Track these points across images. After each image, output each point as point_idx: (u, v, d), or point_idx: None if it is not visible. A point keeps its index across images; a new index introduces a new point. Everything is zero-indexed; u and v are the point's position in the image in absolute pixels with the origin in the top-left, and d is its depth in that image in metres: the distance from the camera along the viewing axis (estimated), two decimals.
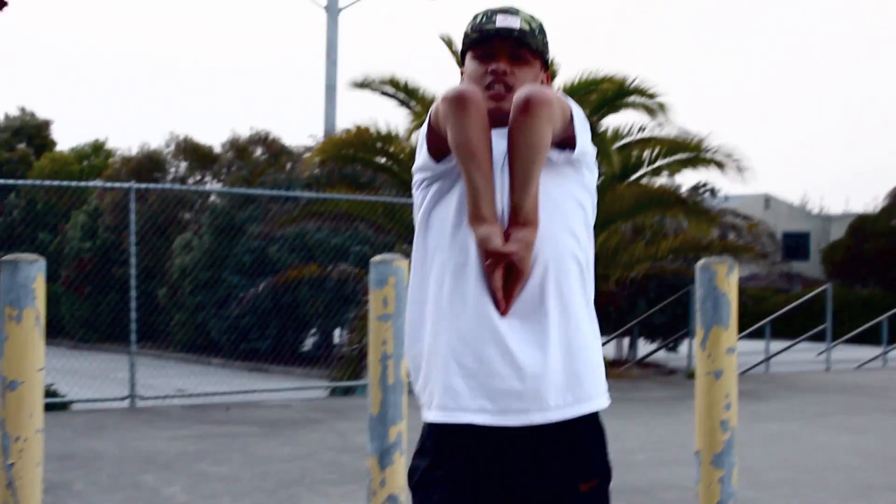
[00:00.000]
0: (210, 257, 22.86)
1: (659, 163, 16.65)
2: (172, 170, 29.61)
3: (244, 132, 28.98)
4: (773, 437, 10.01)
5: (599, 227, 14.17)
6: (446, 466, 2.80)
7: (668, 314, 20.67)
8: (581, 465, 2.82)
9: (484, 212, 2.70)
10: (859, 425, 10.97)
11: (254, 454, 8.74)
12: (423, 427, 2.87)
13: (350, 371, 14.32)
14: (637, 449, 9.12)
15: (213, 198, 25.02)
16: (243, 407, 12.01)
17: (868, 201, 62.56)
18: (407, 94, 15.96)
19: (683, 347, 21.51)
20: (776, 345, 19.67)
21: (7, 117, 36.63)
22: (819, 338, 19.68)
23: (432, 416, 2.79)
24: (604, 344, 17.70)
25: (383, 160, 15.78)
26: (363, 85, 15.99)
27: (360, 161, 15.61)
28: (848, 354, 21.32)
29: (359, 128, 14.99)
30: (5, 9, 10.84)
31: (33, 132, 36.28)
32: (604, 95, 15.82)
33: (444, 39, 15.90)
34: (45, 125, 37.08)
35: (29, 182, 25.30)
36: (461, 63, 2.96)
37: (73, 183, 14.23)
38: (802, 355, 20.54)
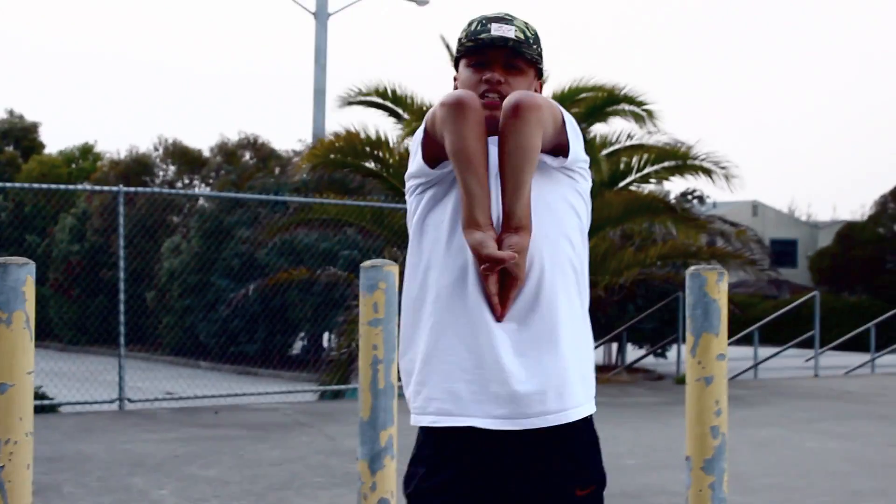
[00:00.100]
0: (198, 261, 22.85)
1: (647, 170, 16.68)
2: (161, 173, 29.60)
3: (233, 136, 29.06)
4: (762, 442, 10.03)
5: (588, 234, 14.16)
6: (443, 473, 2.79)
7: (657, 320, 20.73)
8: (578, 471, 2.82)
9: (479, 218, 2.70)
10: (848, 431, 10.99)
11: (243, 457, 8.74)
12: (418, 434, 2.86)
13: (339, 375, 14.32)
14: (626, 454, 9.14)
15: (201, 202, 25.02)
16: (232, 410, 12.00)
17: (855, 209, 62.98)
18: (395, 103, 15.96)
19: (671, 353, 21.55)
20: (764, 351, 19.71)
21: None
22: (807, 344, 19.73)
23: (428, 420, 2.78)
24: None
25: (372, 165, 15.78)
26: (350, 102, 16.01)
27: (350, 166, 15.60)
28: (836, 361, 21.37)
29: (348, 131, 14.99)
30: None
31: (21, 135, 36.23)
32: (593, 103, 15.85)
33: (443, 41, 15.95)
34: (34, 128, 37.03)
35: (17, 185, 25.22)
36: (455, 68, 2.96)
37: (62, 186, 14.16)
38: (790, 361, 20.59)
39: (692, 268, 3.27)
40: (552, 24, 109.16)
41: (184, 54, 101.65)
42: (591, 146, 15.06)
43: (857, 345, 22.62)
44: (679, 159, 16.48)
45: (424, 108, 15.20)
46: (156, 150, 29.68)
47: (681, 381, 15.85)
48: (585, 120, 15.75)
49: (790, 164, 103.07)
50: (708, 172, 16.51)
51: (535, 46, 2.88)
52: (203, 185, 28.31)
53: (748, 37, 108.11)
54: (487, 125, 2.75)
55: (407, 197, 2.94)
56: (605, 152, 16.18)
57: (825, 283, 35.56)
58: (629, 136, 16.64)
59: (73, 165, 33.99)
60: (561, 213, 2.82)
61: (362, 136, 15.11)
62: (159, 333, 24.45)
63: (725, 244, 17.61)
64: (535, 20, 2.98)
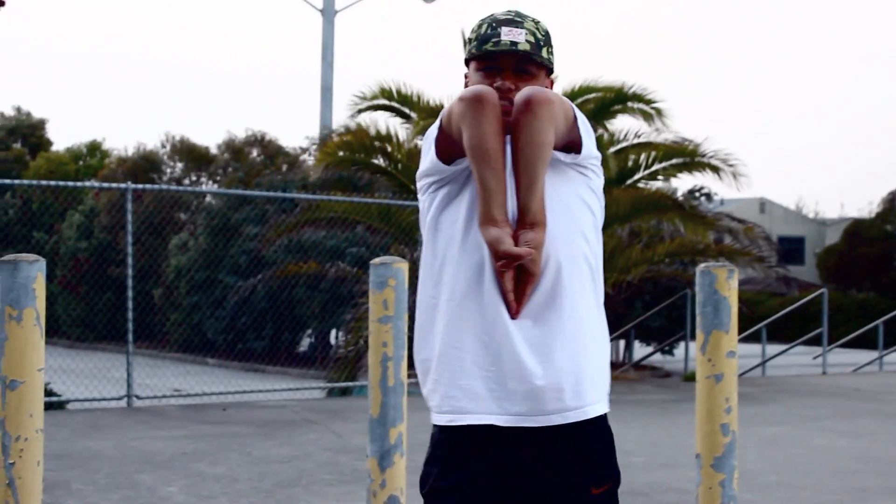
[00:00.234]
0: (206, 258, 22.88)
1: (655, 167, 16.68)
2: (168, 170, 29.62)
3: (240, 133, 29.02)
4: (771, 440, 10.02)
5: None
6: (459, 472, 2.77)
7: (664, 317, 20.71)
8: (594, 468, 2.81)
9: (495, 214, 2.68)
10: (856, 429, 10.97)
11: (251, 454, 8.74)
12: (433, 432, 2.84)
13: (347, 372, 14.33)
14: (634, 451, 9.13)
15: (208, 198, 25.05)
16: (240, 407, 12.01)
17: (863, 206, 62.80)
18: (400, 102, 15.95)
19: (679, 350, 21.53)
20: (772, 348, 19.69)
21: (2, 116, 36.61)
22: (815, 342, 19.71)
23: (446, 419, 2.76)
24: None
25: (381, 161, 15.79)
26: (360, 110, 16.03)
27: (359, 163, 15.61)
28: (844, 358, 21.34)
29: (359, 125, 15.03)
30: (2, 8, 10.84)
31: (29, 132, 36.25)
32: (602, 101, 15.87)
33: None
34: (41, 125, 37.05)
35: (25, 182, 25.28)
36: (467, 65, 2.93)
37: (70, 183, 14.21)
38: (798, 359, 20.55)
39: (702, 265, 3.26)
40: (559, 23, 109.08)
41: (191, 51, 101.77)
42: (599, 144, 15.01)
43: (865, 342, 22.59)
44: (687, 157, 16.50)
45: (431, 106, 15.20)
46: (163, 147, 29.70)
47: (688, 378, 15.84)
48: (594, 118, 15.74)
49: (797, 161, 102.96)
50: (715, 170, 16.51)
51: (545, 47, 2.86)
52: (210, 182, 28.32)
53: (755, 34, 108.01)
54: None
55: (419, 196, 2.92)
56: (613, 150, 16.18)
57: (833, 280, 35.50)
58: (637, 134, 16.66)
59: (81, 162, 34.00)
60: (575, 209, 2.81)
61: (371, 132, 15.14)
62: (167, 330, 24.49)
63: (733, 241, 17.58)
64: (543, 18, 2.95)
